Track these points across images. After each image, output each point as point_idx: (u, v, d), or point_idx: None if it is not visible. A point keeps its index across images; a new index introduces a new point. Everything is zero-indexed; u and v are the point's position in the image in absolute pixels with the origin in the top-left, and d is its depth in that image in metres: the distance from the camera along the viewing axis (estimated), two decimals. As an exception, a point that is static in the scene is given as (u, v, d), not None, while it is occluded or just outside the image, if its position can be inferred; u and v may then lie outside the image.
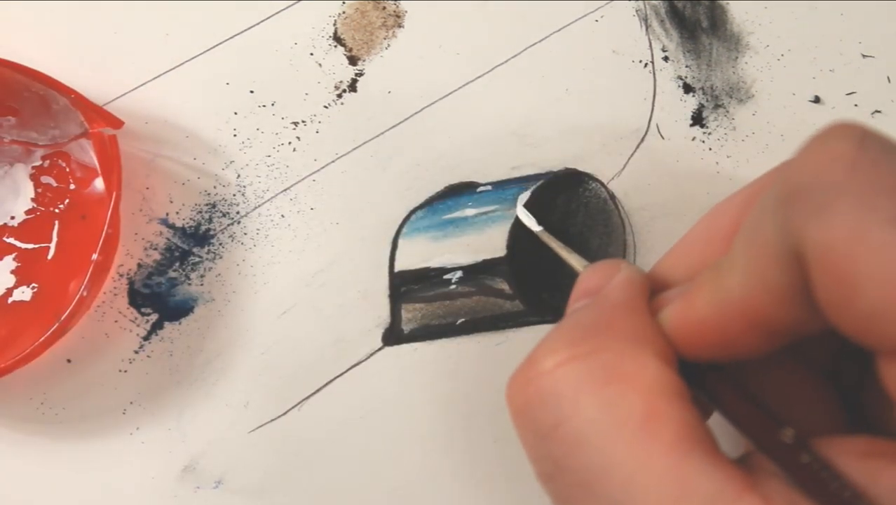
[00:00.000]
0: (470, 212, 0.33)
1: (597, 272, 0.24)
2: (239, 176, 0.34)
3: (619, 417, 0.19)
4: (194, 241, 0.33)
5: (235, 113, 0.34)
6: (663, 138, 0.34)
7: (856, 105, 0.34)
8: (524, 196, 0.32)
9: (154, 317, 0.33)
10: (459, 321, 0.33)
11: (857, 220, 0.16)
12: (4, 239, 0.33)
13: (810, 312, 0.18)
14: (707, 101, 0.34)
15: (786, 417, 0.20)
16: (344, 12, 0.35)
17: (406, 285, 0.33)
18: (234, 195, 0.34)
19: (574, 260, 0.29)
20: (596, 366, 0.20)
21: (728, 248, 0.20)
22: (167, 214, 0.33)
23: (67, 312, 0.30)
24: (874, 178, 0.17)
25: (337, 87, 0.34)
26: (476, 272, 0.33)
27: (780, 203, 0.18)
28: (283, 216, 0.33)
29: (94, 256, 0.30)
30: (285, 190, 0.34)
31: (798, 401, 0.22)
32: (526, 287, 0.32)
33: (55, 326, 0.30)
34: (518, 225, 0.33)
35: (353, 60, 0.35)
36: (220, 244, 0.33)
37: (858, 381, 0.22)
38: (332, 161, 0.34)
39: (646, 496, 0.17)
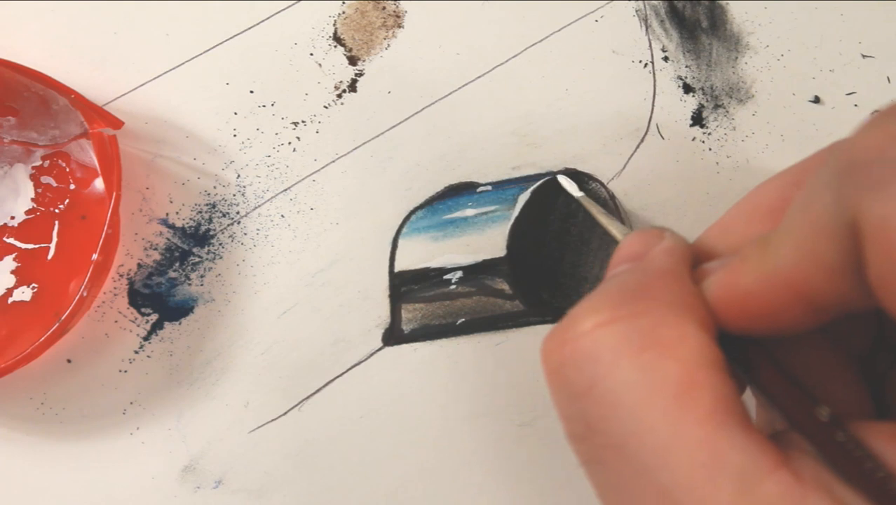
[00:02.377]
0: (470, 212, 0.33)
1: (640, 238, 0.24)
2: (239, 176, 0.34)
3: (656, 383, 0.18)
4: (194, 241, 0.33)
5: (235, 113, 0.34)
6: (663, 138, 0.34)
7: (856, 105, 0.34)
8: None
9: (154, 317, 0.33)
10: (459, 321, 0.33)
11: None
12: (4, 239, 0.33)
13: (860, 288, 0.18)
14: (707, 101, 0.34)
15: (817, 397, 0.20)
16: (344, 12, 0.35)
17: (406, 285, 0.33)
18: (234, 195, 0.34)
19: (614, 227, 0.29)
20: (636, 330, 0.19)
21: (772, 225, 0.20)
22: (167, 214, 0.33)
23: (67, 312, 0.30)
24: None
25: (337, 87, 0.34)
26: (476, 272, 0.33)
27: (837, 177, 0.18)
28: (283, 216, 0.33)
29: (94, 256, 0.30)
30: (285, 190, 0.34)
31: (829, 383, 0.22)
32: (526, 287, 0.32)
33: (55, 326, 0.30)
34: (518, 224, 0.33)
35: (353, 60, 0.35)
36: (220, 244, 0.33)
37: (886, 370, 0.22)
38: (332, 161, 0.34)
39: (678, 464, 0.18)
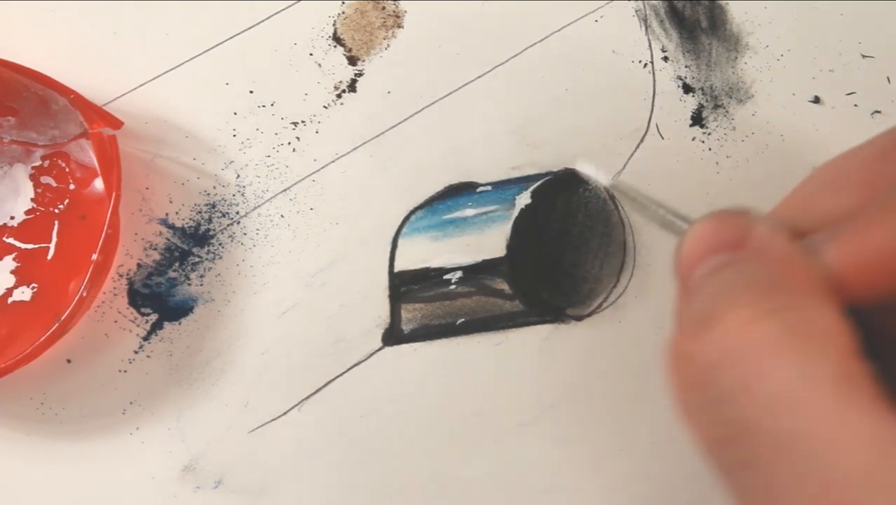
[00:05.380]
0: (470, 212, 0.33)
1: (725, 224, 0.22)
2: (239, 176, 0.34)
3: (818, 377, 0.18)
4: (194, 241, 0.33)
5: (235, 113, 0.34)
6: (663, 138, 0.34)
7: (856, 105, 0.34)
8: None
9: (154, 317, 0.33)
10: (459, 321, 0.33)
11: None
12: (4, 239, 0.33)
13: None
14: (707, 101, 0.34)
15: None
16: (344, 12, 0.35)
17: (406, 285, 0.33)
18: (234, 195, 0.34)
19: (671, 214, 0.26)
20: (787, 324, 0.19)
21: (863, 199, 0.19)
22: (167, 214, 0.33)
23: (67, 312, 0.30)
24: None
25: (337, 88, 0.34)
26: (476, 272, 0.33)
27: None
28: (282, 216, 0.34)
29: (94, 256, 0.30)
30: (285, 190, 0.34)
31: None
32: (526, 287, 0.32)
33: (55, 326, 0.30)
34: (518, 224, 0.33)
35: (352, 60, 0.35)
36: (220, 244, 0.33)
37: None
38: (332, 161, 0.34)
39: (851, 459, 0.17)
